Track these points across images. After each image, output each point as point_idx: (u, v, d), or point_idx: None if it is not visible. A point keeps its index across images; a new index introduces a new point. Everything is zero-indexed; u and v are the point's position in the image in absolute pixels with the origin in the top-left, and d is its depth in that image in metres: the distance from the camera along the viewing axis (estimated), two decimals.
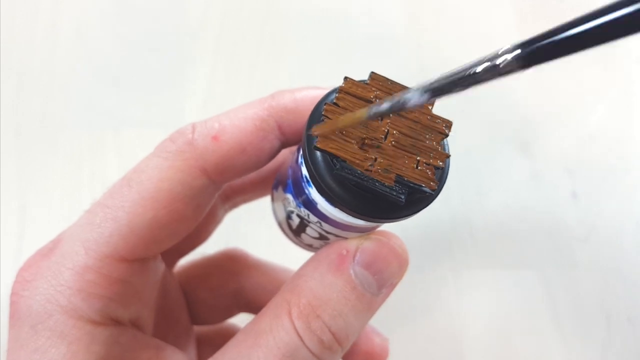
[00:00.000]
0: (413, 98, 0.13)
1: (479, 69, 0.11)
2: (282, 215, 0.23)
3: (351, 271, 0.18)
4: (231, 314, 0.30)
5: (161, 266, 0.23)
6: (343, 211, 0.17)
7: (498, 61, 0.10)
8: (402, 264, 0.19)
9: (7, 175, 0.40)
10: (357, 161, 0.16)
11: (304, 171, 0.18)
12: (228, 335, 0.30)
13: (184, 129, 0.20)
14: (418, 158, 0.16)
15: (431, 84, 0.12)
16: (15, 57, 0.43)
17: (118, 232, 0.19)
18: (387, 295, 0.20)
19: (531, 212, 0.41)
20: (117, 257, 0.19)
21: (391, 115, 0.16)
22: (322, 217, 0.19)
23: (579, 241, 0.40)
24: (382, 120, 0.17)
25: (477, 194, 0.42)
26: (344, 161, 0.16)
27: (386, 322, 0.38)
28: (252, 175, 0.26)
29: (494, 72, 0.11)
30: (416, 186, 0.16)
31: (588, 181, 0.42)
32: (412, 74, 0.45)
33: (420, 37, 0.46)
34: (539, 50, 0.10)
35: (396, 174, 0.16)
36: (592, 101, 0.45)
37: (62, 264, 0.18)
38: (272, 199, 0.25)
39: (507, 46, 0.10)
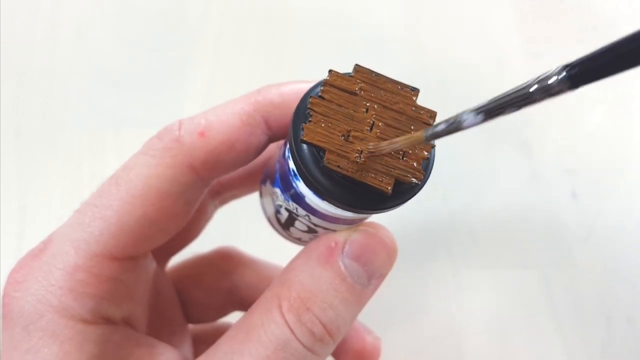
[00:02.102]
0: (468, 119, 0.13)
1: (531, 89, 0.11)
2: (271, 210, 0.23)
3: (340, 263, 0.19)
4: (225, 312, 0.30)
5: (152, 264, 0.23)
6: (331, 204, 0.17)
7: (549, 82, 0.11)
8: (391, 254, 0.19)
9: (7, 175, 0.40)
10: (344, 153, 0.16)
11: (291, 165, 0.18)
12: (223, 333, 0.30)
13: (170, 125, 0.20)
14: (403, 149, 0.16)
15: (485, 105, 0.13)
16: (15, 57, 0.43)
17: (107, 231, 0.19)
18: (377, 286, 0.20)
19: (531, 212, 0.41)
20: (108, 256, 0.19)
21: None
22: (311, 210, 0.19)
23: (579, 241, 0.40)
24: (367, 112, 0.17)
25: (476, 194, 0.42)
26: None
27: (386, 322, 0.38)
28: (240, 170, 0.26)
29: (545, 92, 0.11)
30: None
31: (588, 181, 0.42)
32: (413, 74, 0.45)
33: (421, 37, 0.46)
34: (586, 72, 0.10)
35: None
36: (592, 101, 0.45)
37: (53, 264, 0.19)
38: (261, 195, 0.25)
39: (556, 67, 0.11)
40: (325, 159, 0.16)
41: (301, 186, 0.18)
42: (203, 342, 0.29)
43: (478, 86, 0.45)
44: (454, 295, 0.38)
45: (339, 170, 0.16)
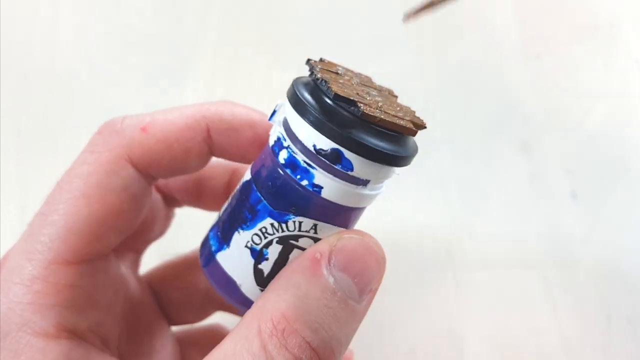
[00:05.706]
0: None
1: None
2: (247, 266, 0.19)
3: (329, 276, 0.17)
4: (207, 313, 0.29)
5: (116, 267, 0.22)
6: (373, 160, 0.17)
7: None
8: (380, 262, 0.18)
9: (7, 175, 0.40)
10: (372, 104, 0.17)
11: (314, 145, 0.17)
12: (212, 335, 0.30)
13: (113, 120, 0.20)
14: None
15: None
16: (15, 57, 0.43)
17: (57, 236, 0.18)
18: (369, 303, 0.18)
19: (531, 212, 0.41)
20: (62, 262, 0.19)
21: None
22: (324, 208, 0.17)
23: (579, 241, 0.40)
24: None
25: (476, 194, 0.42)
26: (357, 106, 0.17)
27: (386, 322, 0.38)
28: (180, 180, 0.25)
29: None
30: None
31: (588, 181, 0.42)
32: (413, 73, 0.45)
33: (421, 38, 0.46)
34: None
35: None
36: (591, 101, 0.45)
37: (10, 279, 0.18)
38: (215, 274, 0.21)
39: None
40: (362, 108, 0.16)
41: (318, 176, 0.17)
42: (192, 345, 0.28)
43: (478, 87, 0.45)
44: (454, 295, 0.38)
45: (376, 118, 0.16)
